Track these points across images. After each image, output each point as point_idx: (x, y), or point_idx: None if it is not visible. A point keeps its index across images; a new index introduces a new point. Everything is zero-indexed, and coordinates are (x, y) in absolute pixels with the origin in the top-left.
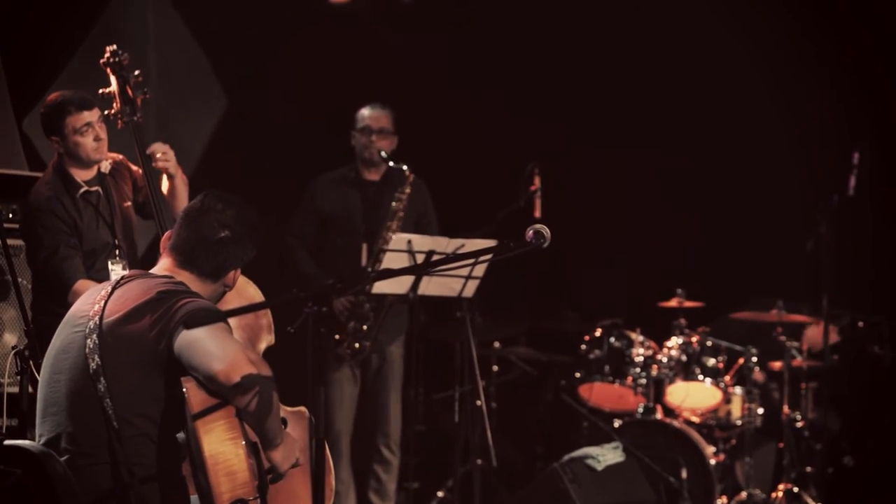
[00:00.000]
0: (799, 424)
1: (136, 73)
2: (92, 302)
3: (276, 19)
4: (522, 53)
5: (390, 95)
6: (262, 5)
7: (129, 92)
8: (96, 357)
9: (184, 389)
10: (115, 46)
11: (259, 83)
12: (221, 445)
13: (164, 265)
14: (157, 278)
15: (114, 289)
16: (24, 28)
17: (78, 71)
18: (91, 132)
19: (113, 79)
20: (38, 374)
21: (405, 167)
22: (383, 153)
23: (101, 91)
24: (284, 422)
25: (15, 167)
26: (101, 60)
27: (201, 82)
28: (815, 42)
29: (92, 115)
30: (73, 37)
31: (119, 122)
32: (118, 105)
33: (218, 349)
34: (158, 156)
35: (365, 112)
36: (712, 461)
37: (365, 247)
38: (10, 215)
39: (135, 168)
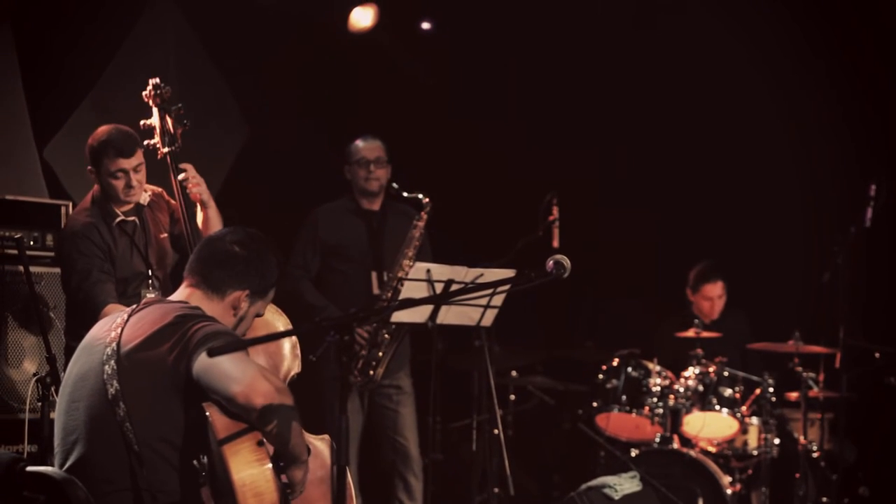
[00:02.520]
0: (815, 455)
1: (179, 105)
2: (108, 329)
3: (296, 47)
4: (541, 83)
5: (409, 123)
6: (283, 34)
7: (170, 124)
8: (115, 382)
9: (206, 414)
10: (157, 80)
11: (278, 111)
12: (248, 468)
13: (179, 291)
14: (173, 304)
15: (130, 315)
16: (45, 57)
17: (99, 100)
18: (123, 178)
19: (155, 111)
20: None
21: (421, 195)
22: (395, 185)
23: (141, 123)
24: (307, 450)
25: (36, 195)
26: (144, 93)
27: (222, 110)
28: (834, 75)
29: (128, 163)
30: (94, 65)
31: (158, 152)
32: (158, 137)
33: (236, 371)
34: (190, 177)
35: (359, 144)
36: (729, 491)
37: (374, 276)
38: (32, 242)
39: (174, 202)
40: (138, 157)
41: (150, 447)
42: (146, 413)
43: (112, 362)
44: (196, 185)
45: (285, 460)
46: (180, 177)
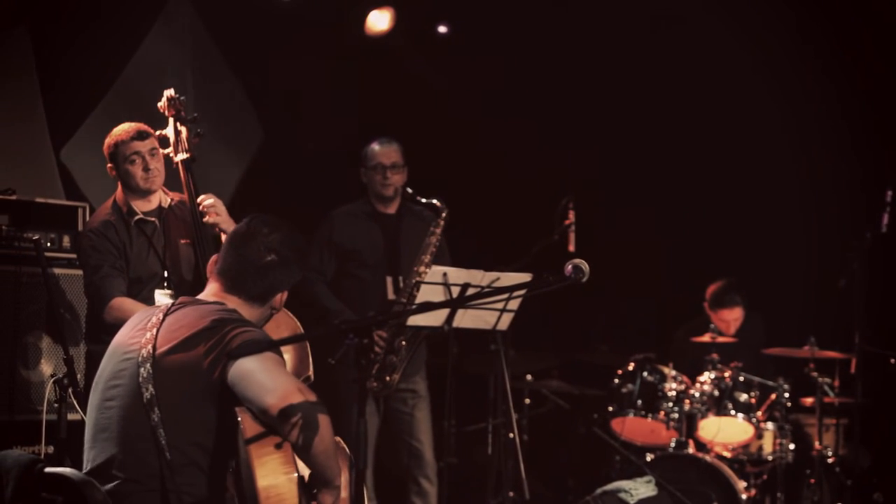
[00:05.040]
0: (830, 460)
1: (194, 115)
2: (143, 329)
3: (313, 51)
4: (557, 86)
5: (425, 126)
6: (300, 37)
7: (185, 134)
8: (150, 386)
9: (238, 419)
10: (172, 91)
11: (295, 114)
12: (275, 478)
13: (211, 290)
14: (208, 305)
15: (165, 316)
16: (62, 59)
17: (114, 102)
18: (140, 162)
19: (171, 121)
20: (76, 403)
21: (436, 201)
22: (409, 190)
23: (157, 133)
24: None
25: (53, 197)
26: (160, 104)
27: (238, 113)
28: (851, 80)
29: (142, 146)
30: (110, 68)
31: (172, 161)
32: (172, 146)
33: (270, 382)
34: (207, 204)
35: (375, 148)
36: (744, 496)
37: (389, 280)
38: (49, 244)
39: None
40: (152, 143)
41: (181, 451)
42: (180, 417)
43: (148, 365)
44: (215, 214)
45: (315, 479)
46: (200, 200)
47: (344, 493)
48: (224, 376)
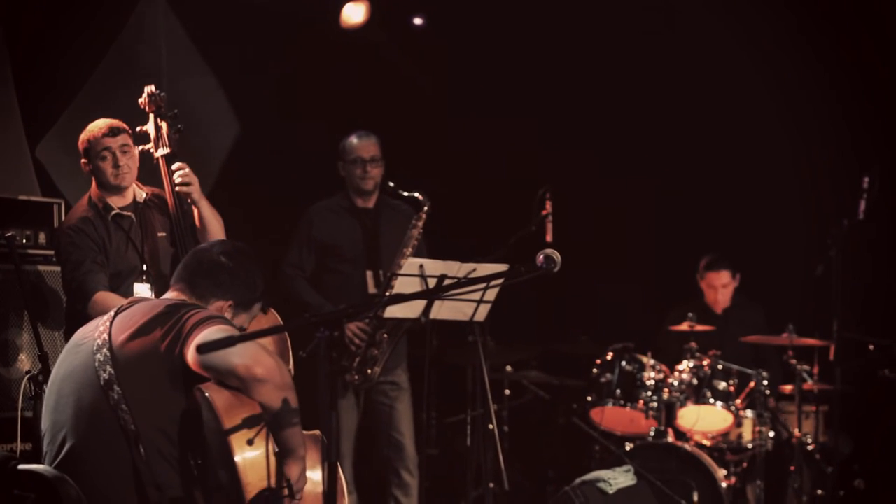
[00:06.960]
0: (810, 447)
1: (174, 111)
2: (94, 327)
3: (289, 44)
4: (534, 78)
5: (400, 118)
6: (274, 28)
7: (165, 130)
8: (108, 368)
9: (206, 394)
10: (153, 87)
11: (270, 107)
12: (251, 448)
13: (166, 295)
14: (161, 299)
15: (116, 313)
16: (36, 54)
17: (90, 98)
18: (110, 158)
19: (151, 117)
20: None
21: (418, 195)
22: (391, 183)
23: (137, 128)
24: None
25: (28, 193)
26: (140, 100)
27: (213, 106)
28: (827, 67)
29: (112, 142)
30: (85, 63)
31: (153, 157)
32: (153, 142)
33: (235, 346)
34: (180, 174)
35: (353, 142)
36: (723, 484)
37: (370, 274)
38: (24, 241)
39: (171, 203)
40: (124, 139)
41: (148, 436)
42: (142, 400)
43: (104, 350)
44: (186, 184)
45: (282, 447)
46: (173, 167)
47: (320, 489)
48: (184, 355)
